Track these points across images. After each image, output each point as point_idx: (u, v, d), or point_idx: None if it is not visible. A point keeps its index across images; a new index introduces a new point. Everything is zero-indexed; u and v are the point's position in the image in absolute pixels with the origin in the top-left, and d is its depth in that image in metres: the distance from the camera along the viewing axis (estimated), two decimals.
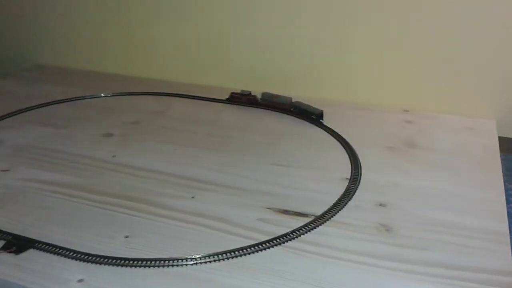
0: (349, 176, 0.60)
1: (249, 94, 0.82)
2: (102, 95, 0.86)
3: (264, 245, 0.48)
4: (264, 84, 0.85)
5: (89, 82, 0.92)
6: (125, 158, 0.65)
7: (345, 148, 0.67)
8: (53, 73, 0.98)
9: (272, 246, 0.48)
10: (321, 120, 0.74)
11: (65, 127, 0.75)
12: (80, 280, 0.44)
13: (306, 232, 0.50)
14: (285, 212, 0.54)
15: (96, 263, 0.46)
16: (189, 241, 0.49)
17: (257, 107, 0.80)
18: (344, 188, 0.58)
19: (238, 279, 0.44)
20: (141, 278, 0.44)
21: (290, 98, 0.78)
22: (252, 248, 0.47)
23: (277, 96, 0.79)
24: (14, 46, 1.06)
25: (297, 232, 0.50)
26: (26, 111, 0.80)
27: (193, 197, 0.57)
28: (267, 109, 0.79)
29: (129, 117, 0.78)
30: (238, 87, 0.84)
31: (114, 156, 0.66)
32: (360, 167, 0.62)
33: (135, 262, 0.46)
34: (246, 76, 0.89)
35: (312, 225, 0.51)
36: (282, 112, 0.79)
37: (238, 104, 0.81)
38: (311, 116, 0.75)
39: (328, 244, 0.48)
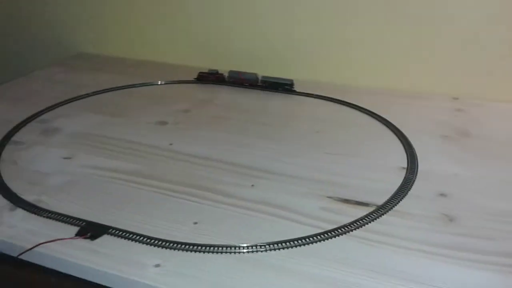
0: (405, 166, 0.61)
1: (217, 72, 0.87)
2: (159, 82, 0.88)
3: (330, 233, 0.49)
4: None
5: (135, 70, 0.94)
6: (182, 146, 0.67)
7: (398, 137, 0.67)
8: (97, 61, 1.00)
9: (338, 235, 0.49)
10: (293, 88, 0.82)
11: (119, 115, 0.76)
12: (157, 265, 0.46)
13: (370, 222, 0.51)
14: (346, 201, 0.54)
15: (170, 248, 0.47)
16: (256, 228, 0.50)
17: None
18: (402, 178, 0.58)
19: (307, 266, 0.45)
20: (214, 263, 0.46)
21: (256, 74, 0.84)
22: (319, 237, 0.48)
23: (243, 73, 0.85)
24: (55, 34, 1.08)
25: (361, 221, 0.51)
26: (79, 99, 0.82)
27: (252, 185, 0.58)
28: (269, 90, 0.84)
29: (180, 105, 0.79)
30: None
31: (171, 144, 0.67)
32: (416, 156, 0.62)
33: (208, 248, 0.47)
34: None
35: (375, 214, 0.52)
36: (250, 88, 0.84)
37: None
38: (285, 86, 0.82)
39: (393, 233, 0.49)
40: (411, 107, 0.77)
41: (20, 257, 0.48)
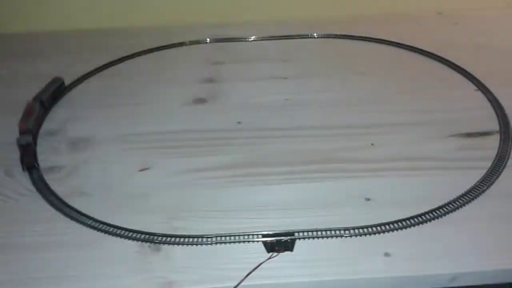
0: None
1: None
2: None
3: (495, 170, 0.50)
4: None
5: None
6: (252, 122, 0.59)
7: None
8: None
9: (501, 170, 0.50)
10: None
11: (143, 103, 0.63)
12: (387, 254, 0.42)
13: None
14: (469, 135, 0.55)
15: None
16: (422, 187, 0.48)
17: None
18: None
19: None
20: (430, 234, 0.43)
21: None
22: (490, 176, 0.49)
23: None
24: None
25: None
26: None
27: (372, 144, 0.55)
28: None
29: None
30: None
31: (239, 122, 0.59)
32: None
33: (409, 221, 0.44)
34: None
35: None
36: None
37: None
38: None
39: None
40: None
41: None
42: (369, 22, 0.80)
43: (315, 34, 0.77)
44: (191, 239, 0.43)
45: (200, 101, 0.63)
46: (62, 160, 0.54)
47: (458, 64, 0.68)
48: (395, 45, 0.74)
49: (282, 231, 0.43)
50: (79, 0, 0.81)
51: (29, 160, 0.52)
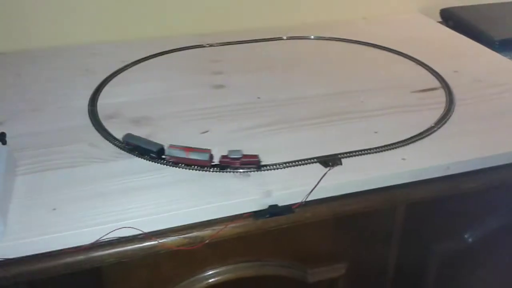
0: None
1: None
2: None
3: (449, 108, 0.73)
4: None
5: None
6: (272, 95, 0.77)
7: None
8: None
9: (453, 108, 0.73)
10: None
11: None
12: (403, 159, 0.61)
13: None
14: (424, 90, 0.78)
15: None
16: (411, 121, 0.70)
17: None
18: None
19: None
20: (429, 146, 0.64)
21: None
22: (446, 114, 0.72)
23: None
24: None
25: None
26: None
27: (362, 101, 0.75)
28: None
29: None
30: None
31: (258, 97, 0.76)
32: None
33: (412, 138, 0.65)
34: None
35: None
36: None
37: None
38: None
39: None
40: None
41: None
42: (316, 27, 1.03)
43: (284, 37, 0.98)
44: (274, 166, 0.59)
45: (220, 86, 0.80)
46: (137, 132, 0.66)
47: (400, 50, 0.92)
48: (347, 41, 0.97)
49: (328, 154, 0.61)
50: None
51: None
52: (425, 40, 0.98)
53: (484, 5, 1.12)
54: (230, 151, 0.58)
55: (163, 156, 0.60)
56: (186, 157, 0.58)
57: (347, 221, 0.62)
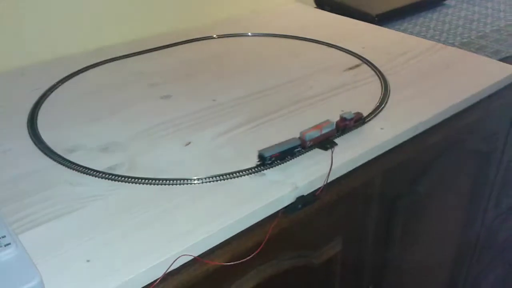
0: None
1: None
2: None
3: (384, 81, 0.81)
4: None
5: None
6: (226, 94, 0.76)
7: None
8: None
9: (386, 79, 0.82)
10: None
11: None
12: (382, 128, 0.67)
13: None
14: (351, 68, 0.86)
15: None
16: (357, 97, 0.76)
17: None
18: None
19: None
20: (392, 112, 0.71)
21: None
22: (386, 88, 0.80)
23: None
24: None
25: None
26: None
27: (311, 87, 0.79)
28: None
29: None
30: None
31: (214, 100, 0.75)
32: None
33: (376, 110, 0.71)
34: None
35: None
36: None
37: None
38: None
39: None
40: None
41: None
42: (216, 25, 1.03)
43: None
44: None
45: (167, 97, 0.76)
46: (111, 161, 0.60)
47: (305, 37, 0.98)
48: (264, 36, 1.00)
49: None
50: None
51: None
52: (318, 25, 1.06)
53: None
54: (344, 113, 0.64)
55: (307, 142, 0.60)
56: (321, 133, 0.61)
57: (343, 199, 0.65)
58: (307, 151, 0.61)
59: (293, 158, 0.60)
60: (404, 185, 0.77)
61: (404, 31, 1.07)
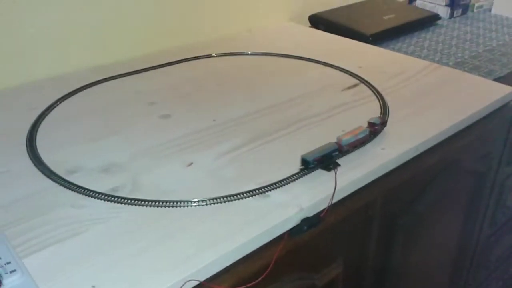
0: None
1: None
2: None
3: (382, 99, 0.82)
4: None
5: None
6: (225, 115, 0.76)
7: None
8: None
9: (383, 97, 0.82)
10: None
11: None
12: (383, 149, 0.67)
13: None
14: (349, 88, 0.86)
15: None
16: (359, 114, 0.76)
17: None
18: None
19: None
20: (399, 123, 0.72)
21: None
22: (384, 106, 0.80)
23: None
24: None
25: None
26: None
27: (310, 106, 0.79)
28: None
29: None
30: None
31: (214, 120, 0.75)
32: None
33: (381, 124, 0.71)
34: None
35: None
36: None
37: None
38: None
39: None
40: None
41: None
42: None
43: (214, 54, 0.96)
44: (285, 181, 0.59)
45: (166, 116, 0.75)
46: (113, 182, 0.59)
47: (301, 56, 0.99)
48: (260, 55, 1.00)
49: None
50: None
51: None
52: (314, 44, 1.07)
53: (345, 7, 1.27)
54: (372, 119, 0.68)
55: (343, 147, 0.63)
56: (356, 139, 0.64)
57: (346, 220, 0.65)
58: (343, 155, 0.64)
59: (331, 164, 0.61)
60: (403, 205, 0.77)
61: (398, 50, 1.08)
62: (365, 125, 0.68)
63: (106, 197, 0.56)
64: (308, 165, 0.60)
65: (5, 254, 0.43)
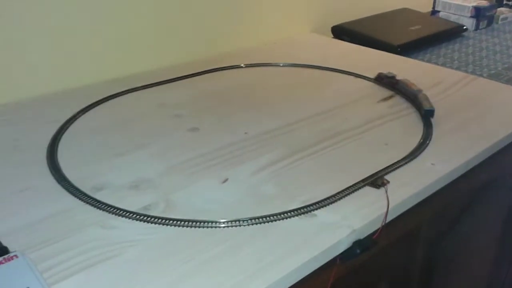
0: None
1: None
2: None
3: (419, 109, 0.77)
4: None
5: None
6: (259, 127, 0.71)
7: None
8: None
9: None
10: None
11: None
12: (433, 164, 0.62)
13: None
14: (385, 99, 0.81)
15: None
16: (397, 129, 0.71)
17: None
18: None
19: None
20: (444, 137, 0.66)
21: None
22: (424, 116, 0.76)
23: None
24: None
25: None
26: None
27: (346, 118, 0.75)
28: None
29: None
30: None
31: (246, 133, 0.70)
32: None
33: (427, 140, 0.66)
34: None
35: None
36: None
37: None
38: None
39: None
40: None
41: None
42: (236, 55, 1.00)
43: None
44: (330, 199, 0.54)
45: (195, 129, 0.70)
46: (144, 200, 0.54)
47: (329, 67, 0.94)
48: (291, 66, 0.96)
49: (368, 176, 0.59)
50: None
51: None
52: (341, 55, 1.02)
53: (368, 18, 1.23)
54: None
55: None
56: None
57: (396, 242, 0.60)
58: None
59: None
60: (448, 224, 0.72)
61: (428, 62, 1.04)
62: (406, 139, 0.64)
63: (138, 216, 0.51)
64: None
65: (33, 281, 0.38)
